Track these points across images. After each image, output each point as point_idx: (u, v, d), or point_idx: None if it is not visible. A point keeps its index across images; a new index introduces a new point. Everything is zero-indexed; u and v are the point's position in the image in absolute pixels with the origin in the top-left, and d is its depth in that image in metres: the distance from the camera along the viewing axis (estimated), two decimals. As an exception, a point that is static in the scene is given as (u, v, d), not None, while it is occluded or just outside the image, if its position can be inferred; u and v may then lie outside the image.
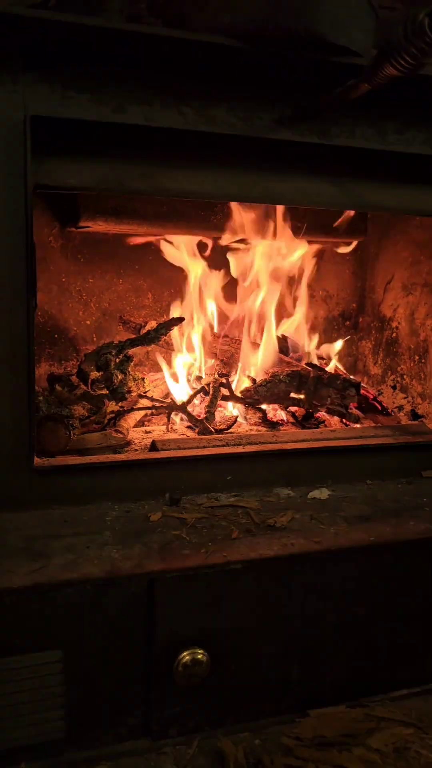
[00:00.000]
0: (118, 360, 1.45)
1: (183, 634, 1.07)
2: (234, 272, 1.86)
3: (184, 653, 1.06)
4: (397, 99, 1.26)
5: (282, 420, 1.72)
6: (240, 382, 1.77)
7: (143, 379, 1.76)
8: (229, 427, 1.62)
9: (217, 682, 1.10)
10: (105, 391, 1.49)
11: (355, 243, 2.00)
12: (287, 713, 1.15)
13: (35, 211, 1.15)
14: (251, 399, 1.68)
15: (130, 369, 1.51)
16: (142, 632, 1.05)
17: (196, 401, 1.68)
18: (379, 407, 1.79)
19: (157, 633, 1.05)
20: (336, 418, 1.72)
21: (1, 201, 1.11)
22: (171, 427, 1.62)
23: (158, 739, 1.09)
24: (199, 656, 1.07)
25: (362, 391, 1.75)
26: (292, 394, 1.68)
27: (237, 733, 1.11)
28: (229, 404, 1.73)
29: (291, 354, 1.93)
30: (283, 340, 1.92)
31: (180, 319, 1.58)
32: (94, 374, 1.46)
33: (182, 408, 1.62)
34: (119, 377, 1.43)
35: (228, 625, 1.10)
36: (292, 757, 1.05)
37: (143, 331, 1.73)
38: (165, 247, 1.82)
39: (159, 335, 1.53)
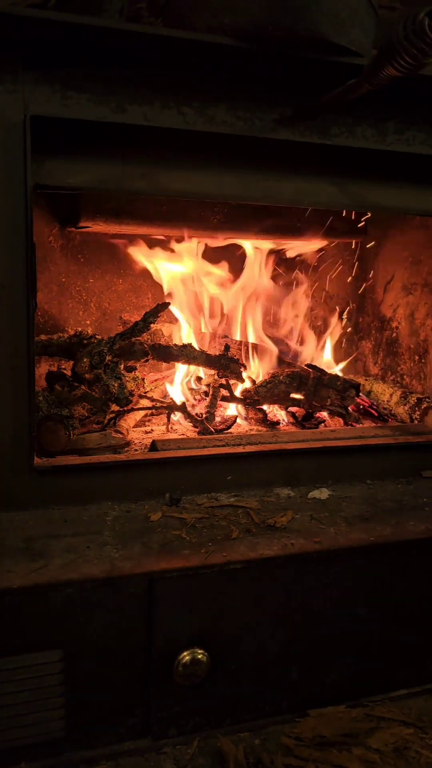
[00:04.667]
0: (108, 361, 1.44)
1: (183, 634, 1.07)
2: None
3: (184, 653, 1.06)
4: (397, 99, 1.26)
5: (282, 420, 1.72)
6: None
7: (143, 379, 1.77)
8: (229, 427, 1.63)
9: (217, 682, 1.10)
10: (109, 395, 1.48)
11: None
12: (287, 713, 1.16)
13: (35, 211, 1.15)
14: (251, 399, 1.68)
15: (122, 370, 1.49)
16: (142, 632, 1.05)
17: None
18: (376, 414, 1.80)
19: (156, 633, 1.05)
20: (336, 418, 1.72)
21: (1, 201, 1.11)
22: (171, 427, 1.63)
23: (158, 739, 1.09)
24: (199, 656, 1.07)
25: (358, 400, 1.75)
26: (292, 395, 1.68)
27: (237, 733, 1.11)
28: (231, 405, 1.73)
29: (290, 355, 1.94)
30: (282, 343, 1.93)
31: (165, 305, 1.57)
32: (89, 375, 1.46)
33: (182, 408, 1.62)
34: (116, 385, 1.42)
35: (228, 625, 1.10)
36: (292, 756, 1.05)
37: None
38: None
39: (147, 324, 1.52)
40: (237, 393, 1.71)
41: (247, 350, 1.85)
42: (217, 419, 1.64)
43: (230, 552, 1.10)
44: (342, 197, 1.39)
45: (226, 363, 1.63)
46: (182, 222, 1.72)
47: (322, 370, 1.78)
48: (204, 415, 1.61)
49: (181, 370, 1.80)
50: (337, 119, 1.26)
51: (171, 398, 1.72)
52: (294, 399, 1.69)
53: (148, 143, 1.22)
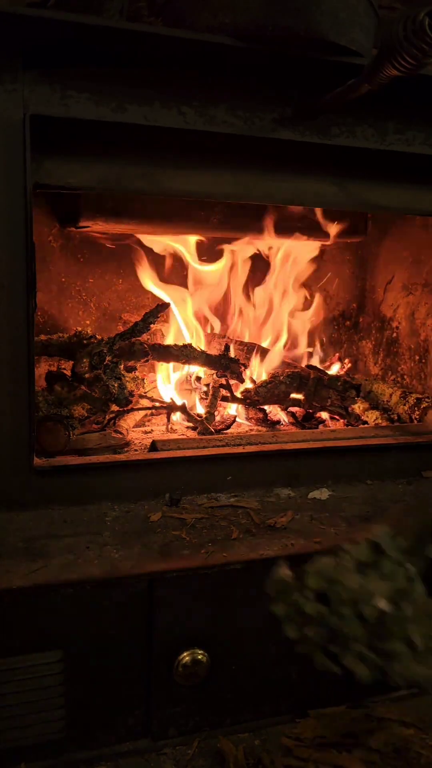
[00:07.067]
0: (108, 361, 1.44)
1: (183, 634, 1.07)
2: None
3: (184, 653, 1.06)
4: (397, 99, 1.26)
5: (282, 420, 1.72)
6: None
7: (143, 379, 1.76)
8: (228, 426, 1.62)
9: (217, 682, 1.10)
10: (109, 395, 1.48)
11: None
12: (287, 713, 1.15)
13: (35, 211, 1.15)
14: (251, 400, 1.68)
15: (122, 371, 1.49)
16: (142, 632, 1.05)
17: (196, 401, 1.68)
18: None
19: (156, 633, 1.05)
20: (336, 418, 1.72)
21: (1, 201, 1.11)
22: (171, 427, 1.62)
23: (158, 740, 1.09)
24: (199, 656, 1.07)
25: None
26: (293, 395, 1.68)
27: (237, 734, 1.11)
28: (231, 405, 1.73)
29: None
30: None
31: (165, 305, 1.57)
32: (89, 375, 1.46)
33: (182, 408, 1.62)
34: (116, 385, 1.42)
35: (228, 625, 1.10)
36: (292, 757, 1.05)
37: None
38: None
39: (147, 325, 1.52)
40: (237, 393, 1.71)
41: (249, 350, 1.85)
42: (217, 419, 1.64)
43: (230, 552, 1.10)
44: (342, 197, 1.39)
45: (226, 363, 1.63)
46: (182, 222, 1.72)
47: (322, 371, 1.78)
48: (204, 416, 1.61)
49: (164, 368, 1.80)
50: (337, 119, 1.26)
51: (171, 398, 1.72)
52: (294, 399, 1.69)
53: (148, 143, 1.22)
